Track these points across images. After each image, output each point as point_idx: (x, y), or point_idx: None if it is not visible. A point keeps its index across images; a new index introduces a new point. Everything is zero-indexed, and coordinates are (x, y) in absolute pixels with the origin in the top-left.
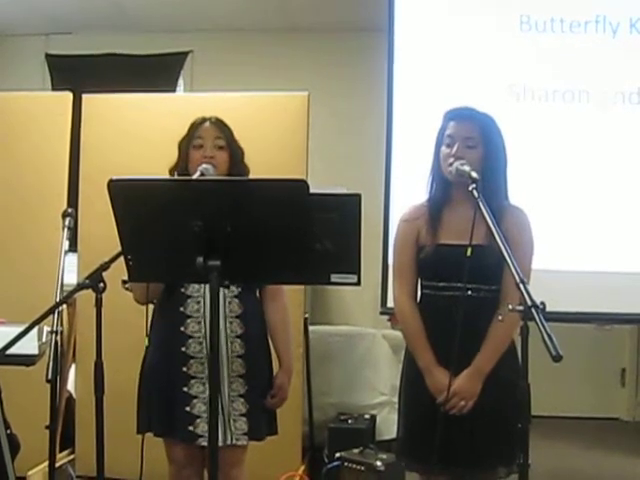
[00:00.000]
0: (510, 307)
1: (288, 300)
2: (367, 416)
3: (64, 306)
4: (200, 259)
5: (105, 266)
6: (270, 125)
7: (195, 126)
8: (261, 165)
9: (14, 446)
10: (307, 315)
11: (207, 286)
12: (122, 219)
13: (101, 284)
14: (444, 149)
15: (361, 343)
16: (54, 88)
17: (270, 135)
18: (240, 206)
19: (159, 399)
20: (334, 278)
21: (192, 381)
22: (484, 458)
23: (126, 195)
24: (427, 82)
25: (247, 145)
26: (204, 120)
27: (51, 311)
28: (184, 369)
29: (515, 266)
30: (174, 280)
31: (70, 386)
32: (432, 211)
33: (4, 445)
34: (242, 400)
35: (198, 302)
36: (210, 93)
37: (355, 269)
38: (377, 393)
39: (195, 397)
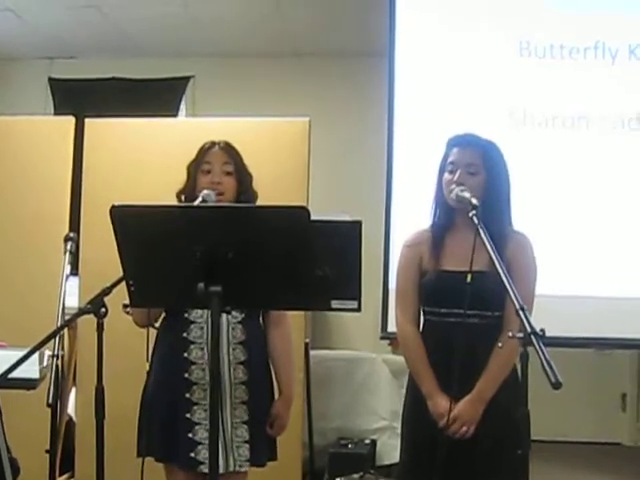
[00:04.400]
0: (510, 334)
1: (290, 321)
2: (367, 441)
3: (65, 330)
4: (201, 285)
5: (107, 291)
6: (271, 150)
7: (204, 151)
8: (261, 190)
9: (14, 470)
10: (308, 340)
11: (209, 313)
12: (124, 244)
13: (103, 309)
14: (446, 175)
15: (361, 368)
16: (56, 112)
17: (271, 160)
18: (241, 232)
19: (160, 424)
20: (334, 304)
21: (195, 407)
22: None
23: (128, 221)
24: (427, 107)
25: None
26: (213, 144)
27: (53, 335)
28: (187, 395)
29: (515, 293)
30: (175, 305)
31: (70, 410)
32: (435, 237)
33: (6, 467)
34: (245, 427)
35: (201, 328)
36: (212, 118)
37: (355, 295)
38: (377, 418)
39: (197, 424)
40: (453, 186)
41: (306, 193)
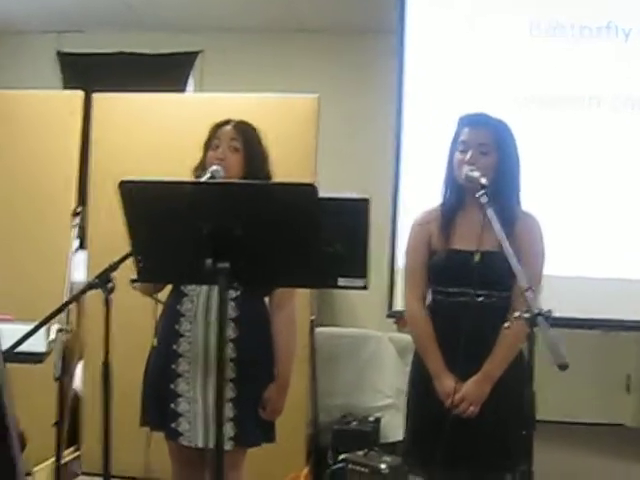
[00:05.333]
0: (516, 314)
1: (296, 303)
2: (372, 418)
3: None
4: (209, 261)
5: (114, 266)
6: (280, 127)
7: (216, 127)
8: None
9: (21, 443)
10: (314, 317)
11: (202, 286)
12: (132, 220)
13: (110, 284)
14: (458, 155)
15: (367, 345)
16: (65, 86)
17: (279, 137)
18: (249, 209)
19: (152, 395)
20: (341, 282)
21: (179, 379)
22: (489, 463)
23: (136, 196)
24: (436, 85)
25: None
26: (226, 122)
27: (60, 310)
28: (173, 366)
29: (522, 273)
30: (183, 281)
31: (76, 384)
32: (445, 216)
33: (14, 441)
34: (230, 405)
35: (192, 301)
36: (219, 94)
37: (363, 273)
38: (382, 396)
39: (180, 395)
40: (464, 166)
41: (314, 170)
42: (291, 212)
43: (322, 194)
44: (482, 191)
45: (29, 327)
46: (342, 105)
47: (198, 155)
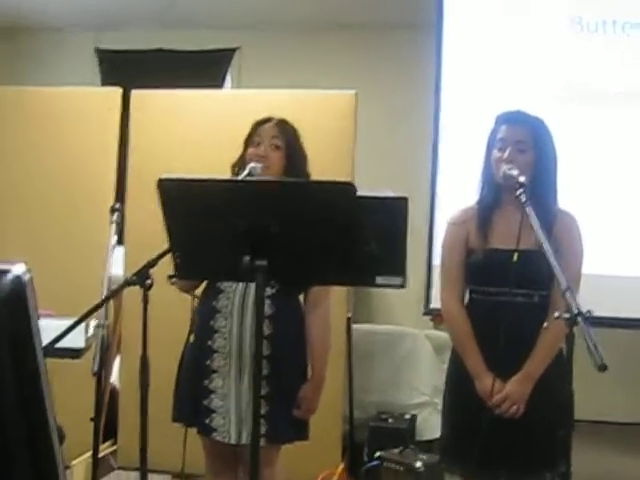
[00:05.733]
0: (556, 315)
1: (332, 301)
2: (408, 416)
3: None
4: (247, 258)
5: (152, 263)
6: (317, 123)
7: (258, 124)
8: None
9: (59, 437)
10: (350, 314)
11: (239, 283)
12: (170, 217)
13: (148, 281)
14: (495, 153)
15: (404, 343)
16: (103, 83)
17: (317, 133)
18: (287, 207)
19: (186, 390)
20: (379, 280)
21: (213, 375)
22: (528, 464)
23: (174, 194)
24: (475, 81)
25: None
26: (268, 120)
27: (99, 306)
28: (207, 362)
29: (562, 273)
30: (220, 278)
31: (114, 378)
32: (482, 215)
33: (54, 434)
34: (262, 402)
35: (228, 297)
36: (257, 90)
37: (400, 272)
38: (418, 393)
39: (213, 391)
40: (502, 164)
41: (352, 167)
42: (329, 210)
43: (360, 192)
44: (521, 190)
45: (68, 322)
46: (380, 101)
47: (236, 151)
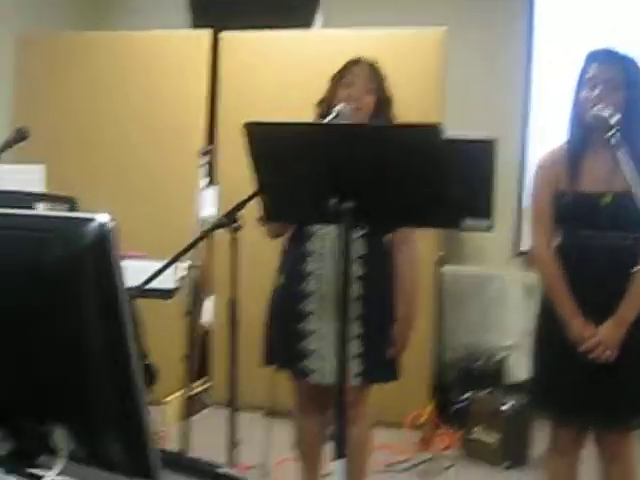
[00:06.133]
0: None
1: (421, 241)
2: (497, 358)
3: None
4: (333, 201)
5: (240, 206)
6: (407, 61)
7: (350, 64)
8: (398, 103)
9: (152, 375)
10: (440, 254)
11: (330, 226)
12: (256, 161)
13: (236, 223)
14: (585, 92)
15: (494, 284)
16: (194, 26)
17: (407, 72)
18: (373, 151)
19: (279, 334)
20: (466, 223)
21: (308, 317)
22: (617, 410)
23: (261, 138)
24: (570, 16)
25: None
26: (360, 60)
27: (189, 248)
28: (301, 306)
29: None
30: (307, 221)
31: (206, 318)
32: (571, 157)
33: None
34: (358, 341)
35: (320, 240)
36: (346, 30)
37: (487, 215)
38: (508, 335)
39: (309, 334)
40: (592, 103)
41: (443, 106)
42: (415, 154)
43: (449, 133)
44: (612, 131)
45: (159, 264)
46: (471, 38)
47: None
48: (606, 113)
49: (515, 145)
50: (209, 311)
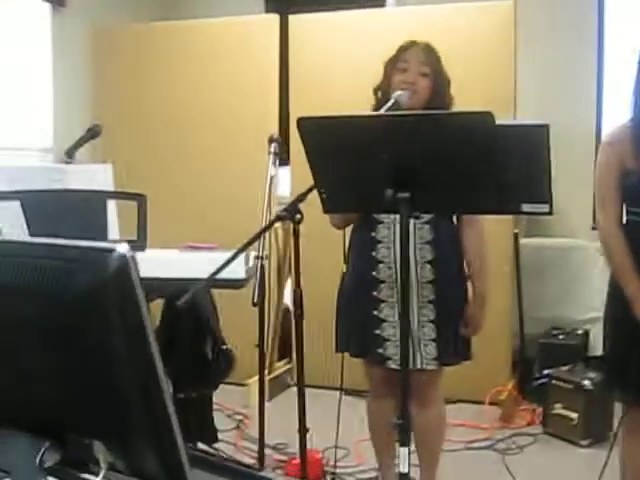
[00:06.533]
0: None
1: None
2: (579, 331)
3: (279, 226)
4: (390, 191)
5: (301, 198)
6: (476, 36)
7: (403, 49)
8: (469, 78)
9: (230, 359)
10: (517, 230)
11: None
12: (312, 154)
13: (298, 215)
14: None
15: (575, 256)
16: (267, 11)
17: (476, 46)
18: (427, 139)
19: (353, 322)
20: (525, 208)
21: (382, 305)
22: None
23: (314, 132)
24: None
25: (454, 58)
26: (413, 44)
27: (255, 239)
28: (374, 293)
29: None
30: (365, 211)
31: (287, 299)
32: (636, 134)
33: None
34: (432, 326)
35: (389, 228)
36: (416, 6)
37: (546, 199)
38: (590, 308)
39: (384, 320)
40: None
41: (513, 82)
42: (469, 140)
43: (499, 122)
44: None
45: (228, 254)
46: (540, 11)
47: None
48: None
49: (590, 119)
50: (289, 293)
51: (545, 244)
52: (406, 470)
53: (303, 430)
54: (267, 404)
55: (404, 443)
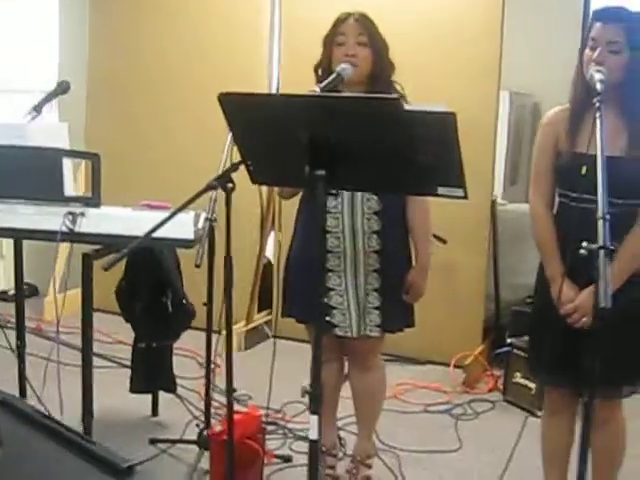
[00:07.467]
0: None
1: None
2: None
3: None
4: (307, 168)
5: (234, 167)
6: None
7: (338, 23)
8: (454, 46)
9: (189, 313)
10: (494, 198)
11: None
12: (235, 130)
13: (230, 184)
14: (587, 52)
15: None
16: None
17: (463, 14)
18: (342, 120)
19: (299, 289)
20: (441, 191)
21: (329, 274)
22: (607, 375)
23: (236, 109)
24: None
25: (441, 23)
26: (348, 16)
27: (187, 203)
28: (322, 262)
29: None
30: (291, 185)
31: (269, 252)
32: (572, 116)
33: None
34: (376, 294)
35: (336, 199)
36: None
37: (460, 183)
38: None
39: (332, 289)
40: (592, 64)
41: (499, 47)
42: (379, 124)
43: (408, 107)
44: (596, 98)
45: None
46: None
47: None
48: (598, 76)
49: None
50: (271, 246)
51: (524, 210)
52: (316, 437)
53: (230, 389)
54: (243, 353)
55: (315, 411)
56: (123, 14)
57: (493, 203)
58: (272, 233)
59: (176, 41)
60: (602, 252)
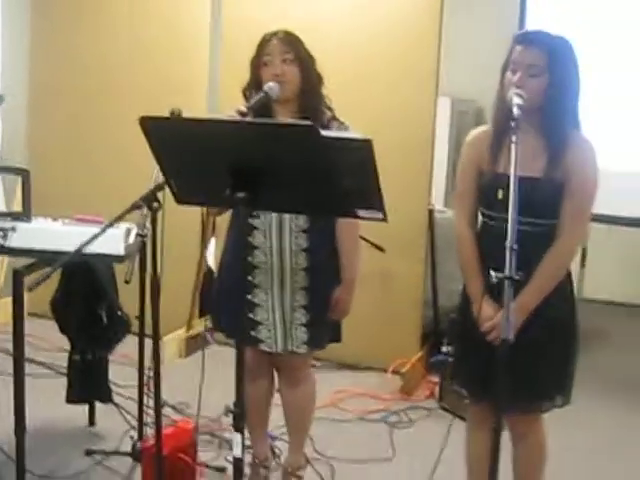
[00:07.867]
0: (493, 274)
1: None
2: None
3: None
4: (227, 191)
5: (160, 186)
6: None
7: (263, 43)
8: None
9: (124, 324)
10: (431, 207)
11: None
12: (156, 151)
13: (155, 204)
14: (508, 75)
15: None
16: None
17: (401, 21)
18: (261, 145)
19: (227, 305)
20: (361, 213)
21: (256, 290)
22: (526, 391)
23: (157, 133)
24: None
25: (378, 30)
26: (271, 36)
27: (119, 218)
28: (249, 278)
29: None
30: (215, 206)
31: (210, 259)
32: (494, 137)
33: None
34: (304, 311)
35: (265, 216)
36: None
37: (379, 207)
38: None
39: (258, 305)
40: (513, 87)
41: (437, 53)
42: (297, 150)
43: (326, 133)
44: (512, 122)
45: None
46: None
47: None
48: (516, 100)
49: None
50: (212, 253)
51: None
52: (239, 455)
53: (158, 405)
54: (183, 360)
55: (238, 429)
56: (64, 19)
57: (431, 212)
58: (212, 240)
59: (117, 45)
60: (507, 283)
